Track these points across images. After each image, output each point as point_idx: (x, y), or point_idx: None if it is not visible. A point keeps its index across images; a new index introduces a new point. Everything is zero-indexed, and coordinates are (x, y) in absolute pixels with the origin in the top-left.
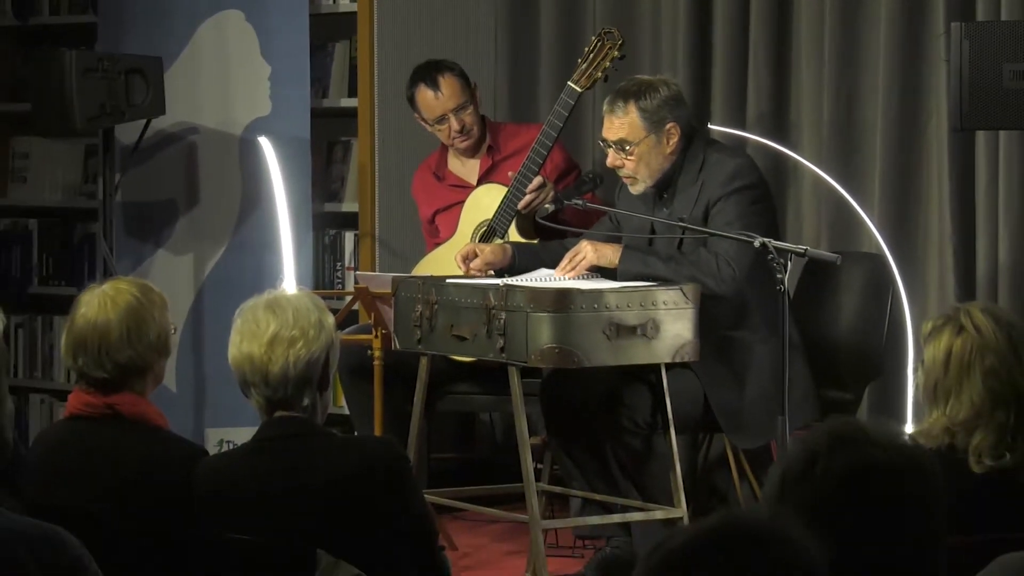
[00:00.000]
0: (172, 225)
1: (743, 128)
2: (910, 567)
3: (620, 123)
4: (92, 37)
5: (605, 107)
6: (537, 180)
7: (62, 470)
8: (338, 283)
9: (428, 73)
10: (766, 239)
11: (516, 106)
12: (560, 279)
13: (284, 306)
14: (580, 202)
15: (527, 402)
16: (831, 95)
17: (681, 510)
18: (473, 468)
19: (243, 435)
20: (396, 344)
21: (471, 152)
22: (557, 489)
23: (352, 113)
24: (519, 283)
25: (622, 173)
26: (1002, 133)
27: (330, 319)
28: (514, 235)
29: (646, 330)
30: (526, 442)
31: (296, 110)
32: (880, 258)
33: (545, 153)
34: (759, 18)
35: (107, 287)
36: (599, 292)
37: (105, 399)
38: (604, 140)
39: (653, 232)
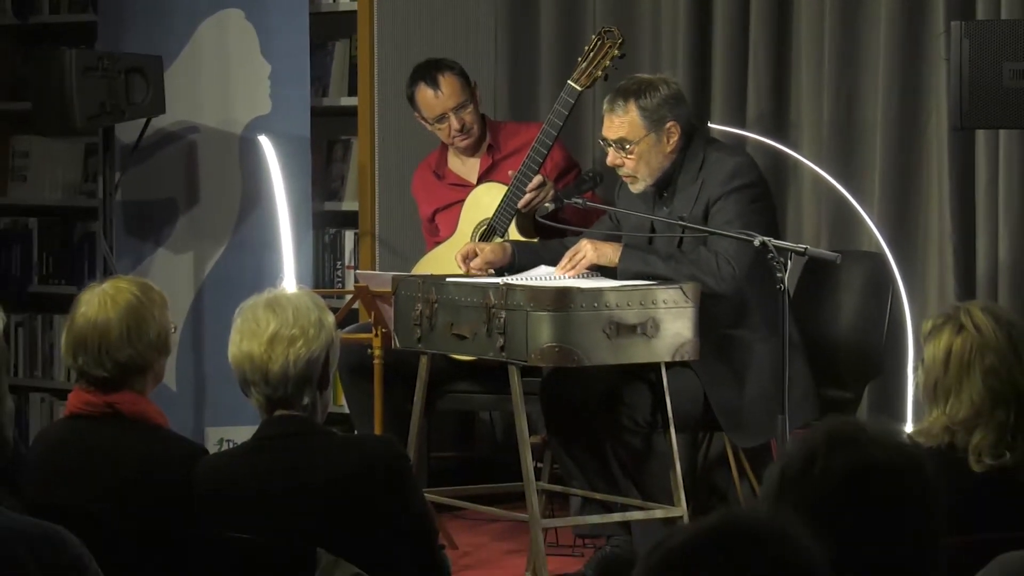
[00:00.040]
0: (172, 224)
1: (743, 127)
2: (909, 566)
3: (620, 122)
4: (92, 36)
5: (605, 106)
6: (537, 179)
7: (62, 469)
8: (338, 282)
9: (428, 72)
10: (766, 238)
11: (516, 105)
12: (560, 278)
13: (284, 305)
14: (580, 201)
15: (527, 401)
16: (831, 94)
17: (681, 509)
18: (473, 467)
19: (243, 434)
20: (396, 343)
21: (471, 151)
22: (557, 488)
23: (352, 112)
24: (519, 282)
25: (622, 172)
26: (1002, 132)
27: (330, 318)
28: (514, 234)
29: (646, 329)
30: (526, 441)
31: (296, 109)
32: (880, 257)
33: (545, 152)
34: (759, 17)
35: (107, 286)
36: (599, 291)
37: (105, 398)
38: (604, 139)
39: (653, 231)
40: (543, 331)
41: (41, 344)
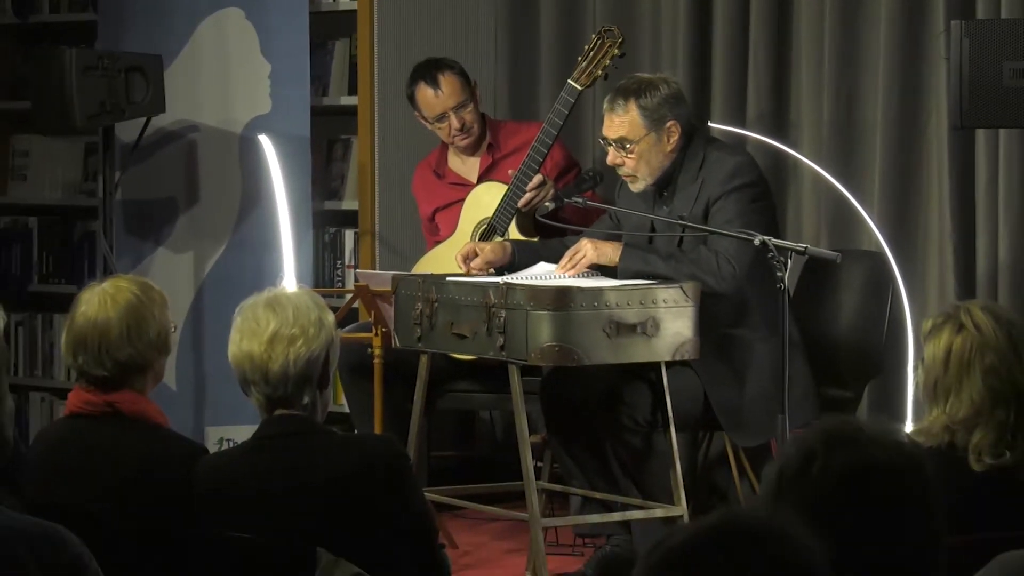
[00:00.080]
0: (172, 223)
1: (743, 127)
2: (909, 566)
3: (620, 121)
4: (92, 35)
5: (605, 105)
6: (537, 178)
7: (62, 468)
8: (338, 281)
9: (428, 71)
10: (766, 237)
11: (516, 104)
12: (560, 277)
13: (284, 304)
14: (580, 200)
15: (527, 400)
16: (831, 93)
17: (681, 508)
18: (473, 466)
19: (243, 433)
20: (396, 342)
21: (471, 150)
22: (557, 487)
23: (352, 111)
24: (519, 281)
25: (622, 171)
26: (1002, 131)
27: (330, 317)
28: (514, 233)
29: (646, 328)
30: (526, 440)
31: (296, 108)
32: (880, 256)
33: (545, 151)
34: (759, 17)
35: (107, 285)
36: (599, 290)
37: (105, 397)
38: (604, 138)
39: (653, 230)
40: (543, 330)
41: (41, 343)
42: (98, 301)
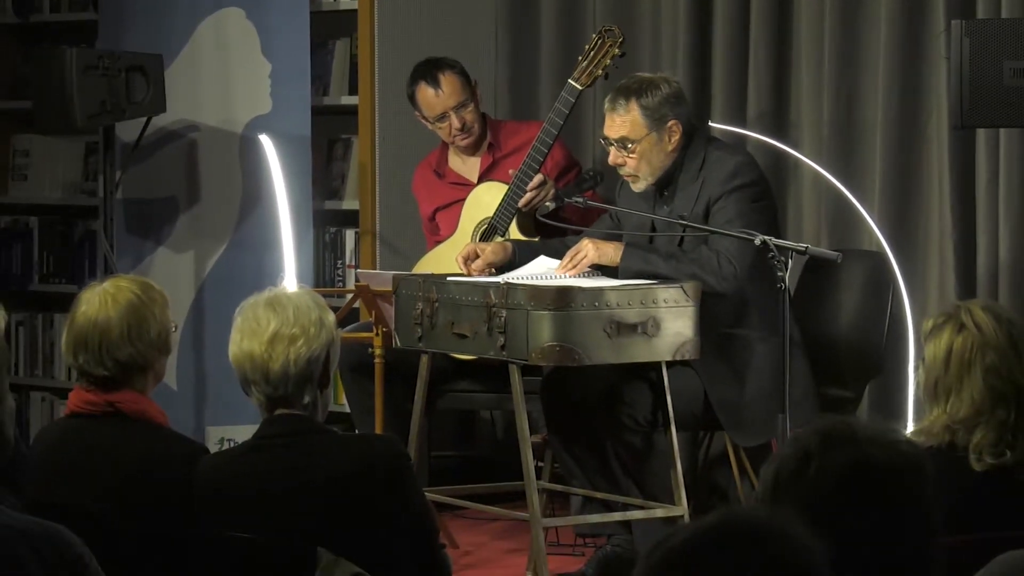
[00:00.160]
0: (173, 223)
1: (743, 126)
2: (907, 565)
3: (622, 121)
4: (92, 34)
5: (606, 105)
6: (538, 178)
7: (63, 468)
8: (339, 281)
9: (429, 71)
10: (767, 237)
11: (517, 104)
12: (561, 277)
13: (285, 304)
14: (581, 200)
15: (528, 400)
16: (831, 93)
17: (682, 508)
18: (474, 466)
19: (244, 433)
20: (397, 342)
21: (472, 150)
22: (558, 487)
23: (352, 111)
24: (520, 281)
25: (623, 171)
26: (1002, 131)
27: (331, 317)
28: (515, 233)
29: (647, 328)
30: (527, 440)
31: (297, 108)
32: (880, 256)
33: (546, 151)
34: (759, 17)
35: (108, 285)
36: (600, 290)
37: (106, 397)
38: (605, 138)
39: (654, 230)
40: (544, 330)
41: (42, 343)
42: (99, 301)
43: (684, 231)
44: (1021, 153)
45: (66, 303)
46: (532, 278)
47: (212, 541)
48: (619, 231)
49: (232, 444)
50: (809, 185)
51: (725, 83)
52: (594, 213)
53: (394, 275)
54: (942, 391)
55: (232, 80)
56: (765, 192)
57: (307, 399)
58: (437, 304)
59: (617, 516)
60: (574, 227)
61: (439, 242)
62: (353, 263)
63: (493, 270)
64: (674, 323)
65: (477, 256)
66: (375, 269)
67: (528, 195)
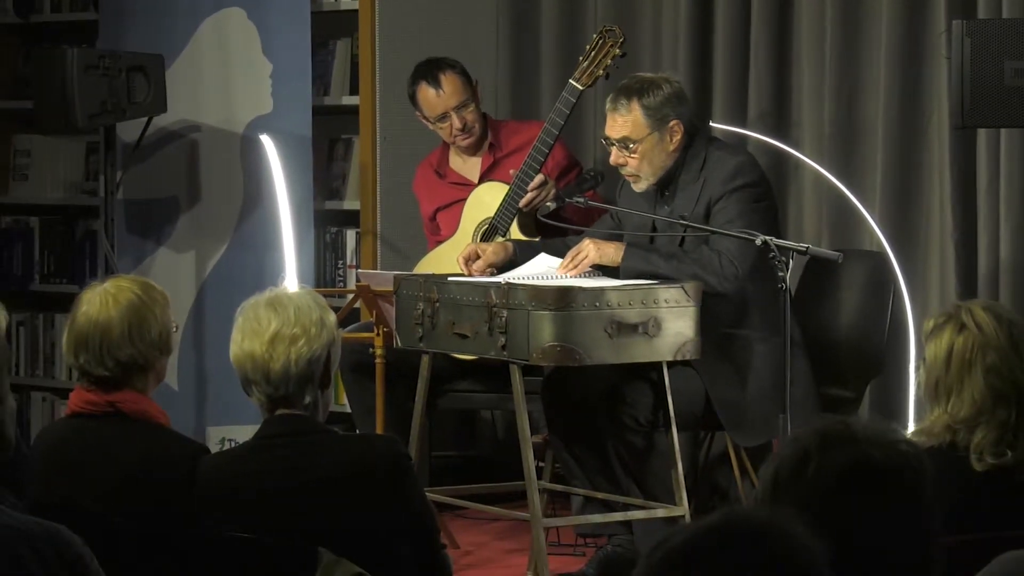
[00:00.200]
0: (173, 223)
1: (744, 126)
2: (906, 565)
3: (623, 121)
4: (93, 34)
5: (608, 105)
6: (539, 178)
7: (64, 468)
8: (340, 281)
9: (429, 71)
10: (768, 237)
11: (517, 104)
12: (562, 277)
13: (285, 304)
14: (582, 200)
15: (528, 400)
16: (832, 93)
17: (683, 508)
18: (474, 466)
19: (244, 433)
20: (398, 342)
21: (473, 150)
22: (559, 487)
23: (353, 111)
24: (521, 281)
25: (625, 171)
26: (1003, 131)
27: (331, 317)
28: (516, 233)
29: (647, 328)
30: (527, 440)
31: (297, 108)
32: (881, 256)
33: (547, 151)
34: (760, 16)
35: (108, 285)
36: (600, 290)
37: (107, 397)
38: (607, 138)
39: (655, 230)
40: (545, 330)
41: (43, 343)
42: (100, 301)
43: (685, 231)
44: (1022, 153)
45: (67, 303)
46: (533, 278)
47: (213, 541)
48: (620, 231)
49: (233, 444)
50: (810, 185)
51: (726, 83)
52: (595, 213)
53: (395, 275)
54: (943, 391)
55: (233, 80)
56: (766, 192)
57: (308, 399)
58: (438, 304)
59: (618, 516)
60: (575, 227)
61: (440, 242)
62: (354, 263)
63: (494, 270)
64: (675, 323)
65: (478, 256)
66: (376, 269)
67: (529, 195)
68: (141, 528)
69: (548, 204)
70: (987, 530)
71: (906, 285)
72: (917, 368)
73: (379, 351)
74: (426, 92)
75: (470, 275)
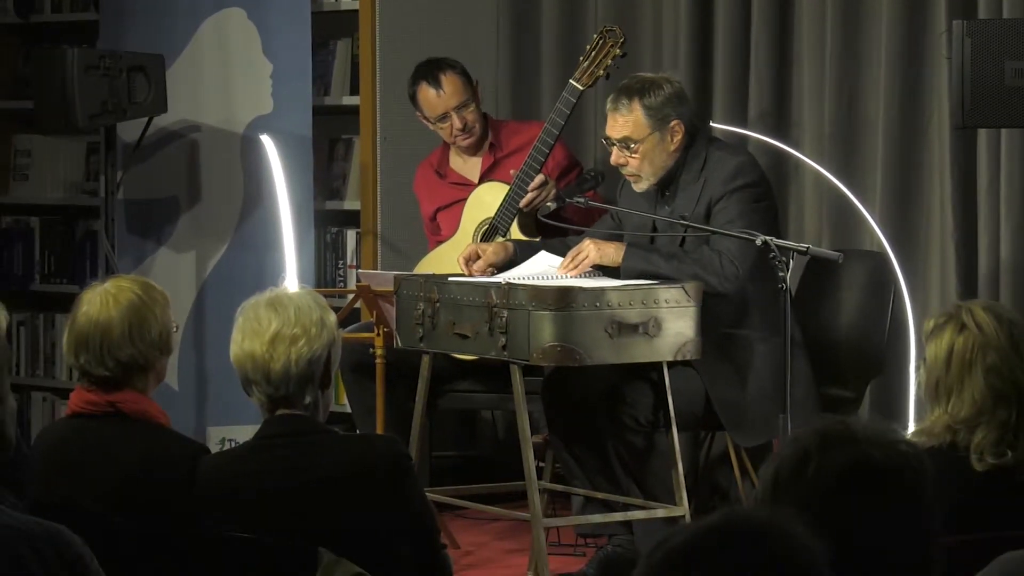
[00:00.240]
0: (174, 223)
1: (744, 126)
2: (906, 565)
3: (624, 121)
4: (94, 35)
5: (609, 105)
6: (539, 178)
7: (64, 468)
8: (340, 281)
9: (430, 71)
10: (768, 237)
11: (518, 104)
12: (562, 277)
13: (286, 304)
14: (582, 200)
15: (529, 400)
16: (833, 93)
17: (683, 508)
18: (475, 466)
19: (245, 433)
20: (398, 342)
21: (473, 150)
22: (559, 487)
23: (354, 111)
24: (521, 281)
25: (626, 171)
26: (1004, 131)
27: (332, 317)
28: (516, 233)
29: (648, 328)
30: (528, 440)
31: (298, 108)
32: (882, 256)
33: (547, 151)
34: (760, 16)
35: (109, 285)
36: (601, 290)
37: (107, 397)
38: (607, 138)
39: (655, 230)
40: (545, 330)
41: (43, 343)
42: (100, 301)
43: (685, 231)
44: (1022, 153)
45: (67, 303)
46: (533, 278)
47: (213, 541)
48: (620, 231)
49: (233, 444)
50: (810, 185)
51: (726, 83)
52: (595, 213)
53: (395, 275)
54: (943, 391)
55: (233, 80)
56: (766, 192)
57: (308, 399)
58: (438, 304)
59: (618, 516)
60: (575, 227)
61: (440, 242)
62: (354, 263)
63: (494, 270)
64: (675, 323)
65: (478, 256)
66: (376, 269)
67: (529, 195)
68: (141, 528)
69: (548, 204)
70: (987, 530)
71: (906, 285)
72: (917, 368)
73: (379, 351)
74: (426, 92)
75: (470, 275)
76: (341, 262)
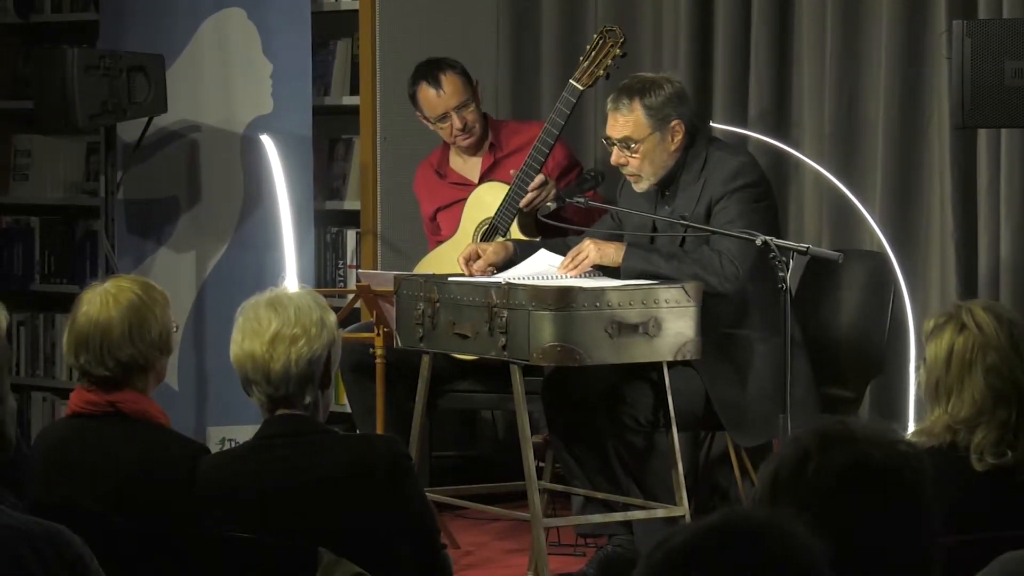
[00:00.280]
0: (174, 223)
1: (744, 126)
2: (906, 565)
3: (625, 121)
4: (94, 34)
5: (609, 105)
6: (539, 178)
7: (64, 468)
8: (340, 281)
9: (430, 71)
10: (768, 237)
11: (518, 104)
12: (562, 277)
13: (286, 304)
14: (582, 200)
15: (529, 400)
16: (833, 93)
17: (683, 508)
18: (475, 466)
19: (245, 433)
20: (398, 342)
21: (473, 150)
22: (559, 487)
23: (354, 111)
24: (521, 281)
25: (626, 171)
26: (1004, 131)
27: (332, 317)
28: (516, 233)
29: (648, 328)
30: (528, 440)
31: (298, 108)
32: (882, 256)
33: (547, 151)
34: (760, 16)
35: (109, 285)
36: (601, 290)
37: (107, 397)
38: (608, 138)
39: (655, 230)
40: (545, 330)
41: (43, 343)
42: (100, 301)
43: (685, 231)
44: (1022, 153)
45: (67, 303)
46: (533, 278)
47: (213, 541)
48: (620, 231)
49: (233, 444)
50: (810, 185)
51: (726, 83)
52: (595, 213)
53: (395, 275)
54: (943, 391)
55: (233, 80)
56: (766, 192)
57: (308, 399)
58: (438, 304)
59: (618, 516)
60: (575, 227)
61: (440, 242)
62: (354, 263)
63: (494, 270)
64: (675, 323)
65: (478, 256)
66: (376, 269)
67: (529, 195)
68: (141, 528)
69: (548, 204)
70: (987, 530)
71: (906, 285)
72: (917, 368)
73: (379, 351)
74: (426, 92)
75: (470, 275)
76: (341, 262)
